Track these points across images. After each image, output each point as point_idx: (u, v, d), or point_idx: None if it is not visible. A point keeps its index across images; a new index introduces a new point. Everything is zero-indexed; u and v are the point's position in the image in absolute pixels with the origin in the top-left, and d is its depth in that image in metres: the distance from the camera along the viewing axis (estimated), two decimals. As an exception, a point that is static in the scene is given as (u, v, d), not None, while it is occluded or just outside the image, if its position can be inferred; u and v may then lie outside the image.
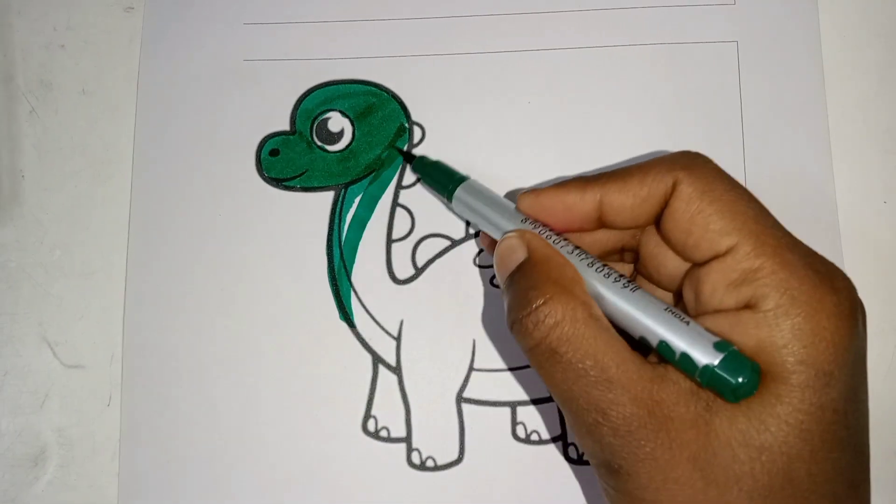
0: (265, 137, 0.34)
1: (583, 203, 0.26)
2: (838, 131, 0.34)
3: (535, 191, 0.27)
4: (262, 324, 0.33)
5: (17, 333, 0.33)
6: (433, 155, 0.34)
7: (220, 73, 0.35)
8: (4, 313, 0.33)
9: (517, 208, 0.28)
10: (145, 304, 0.33)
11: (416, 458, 0.32)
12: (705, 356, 0.22)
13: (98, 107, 0.35)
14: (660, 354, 0.23)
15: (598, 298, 0.24)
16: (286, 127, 0.34)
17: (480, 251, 0.33)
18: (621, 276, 0.24)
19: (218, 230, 0.34)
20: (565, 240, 0.26)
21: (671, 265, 0.26)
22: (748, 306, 0.22)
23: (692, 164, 0.24)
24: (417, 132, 0.34)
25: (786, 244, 0.22)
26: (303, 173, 0.34)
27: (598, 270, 0.25)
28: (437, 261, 0.33)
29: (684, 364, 0.22)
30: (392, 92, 0.35)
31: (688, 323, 0.23)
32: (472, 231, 0.33)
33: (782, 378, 0.21)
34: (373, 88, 0.35)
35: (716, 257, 0.23)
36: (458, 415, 0.32)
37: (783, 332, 0.21)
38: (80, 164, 0.34)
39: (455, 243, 0.33)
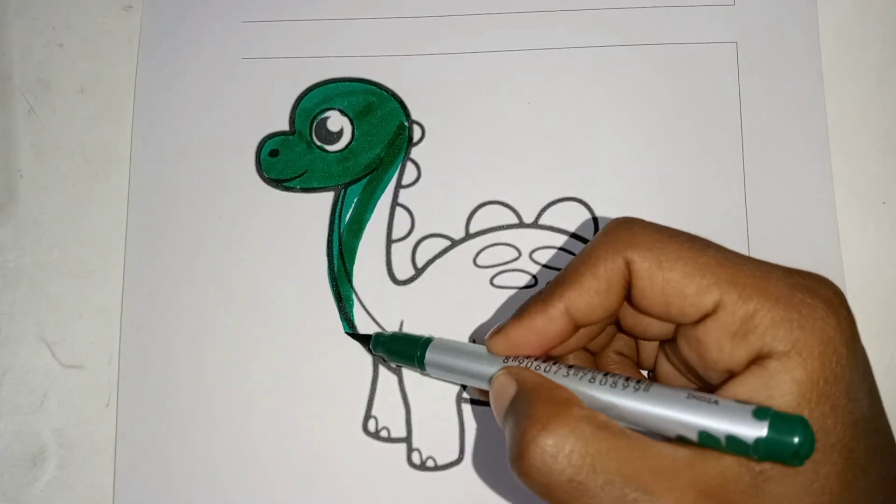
0: (265, 138, 0.34)
1: (551, 324, 0.24)
2: (837, 132, 0.34)
3: (501, 331, 0.25)
4: (262, 324, 0.33)
5: (15, 333, 0.33)
6: (433, 155, 0.34)
7: (219, 72, 0.35)
8: (2, 313, 0.33)
9: (490, 352, 0.26)
10: (143, 304, 0.33)
11: (416, 458, 0.32)
12: (752, 429, 0.20)
13: (96, 106, 0.35)
14: (703, 447, 0.21)
15: (615, 410, 0.22)
16: (285, 125, 0.34)
17: (480, 251, 0.33)
18: (629, 379, 0.23)
19: (217, 231, 0.34)
20: (555, 363, 0.25)
21: (657, 327, 0.25)
22: (761, 356, 0.21)
23: (632, 236, 0.23)
24: (417, 131, 0.34)
25: (763, 275, 0.22)
26: (302, 174, 0.34)
27: (603, 382, 0.23)
28: (437, 261, 0.33)
29: (733, 446, 0.20)
30: (391, 91, 0.35)
31: (717, 402, 0.21)
32: (472, 231, 0.33)
33: None
34: (372, 87, 0.35)
35: (706, 316, 0.22)
36: (458, 415, 0.32)
37: (812, 366, 0.20)
38: (79, 163, 0.34)
39: (455, 243, 0.33)
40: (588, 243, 0.24)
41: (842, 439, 0.20)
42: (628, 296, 0.24)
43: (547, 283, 0.25)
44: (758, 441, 0.20)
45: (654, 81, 0.34)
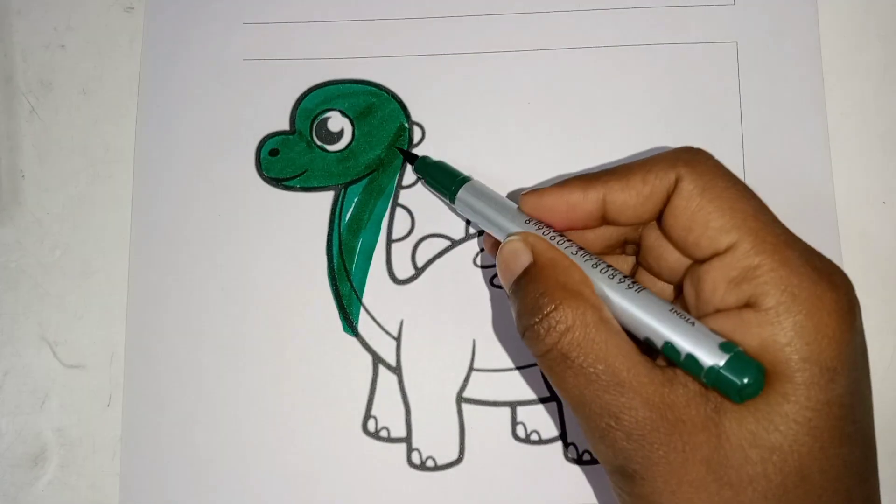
0: (265, 137, 0.34)
1: (586, 202, 0.26)
2: (837, 132, 0.34)
3: (537, 191, 0.27)
4: (262, 324, 0.33)
5: (17, 333, 0.33)
6: (433, 155, 0.34)
7: (220, 73, 0.35)
8: (4, 313, 0.33)
9: (520, 209, 0.28)
10: (146, 303, 0.33)
11: (416, 458, 0.32)
12: (711, 357, 0.22)
13: (98, 107, 0.35)
14: (665, 356, 0.23)
15: (605, 299, 0.24)
16: (286, 126, 0.34)
17: (480, 251, 0.33)
18: (626, 276, 0.25)
19: (218, 230, 0.34)
20: (569, 241, 0.26)
21: (672, 259, 0.26)
22: (749, 305, 0.22)
23: (693, 160, 0.24)
24: (417, 132, 0.34)
25: (785, 241, 0.23)
26: (302, 173, 0.34)
27: (603, 272, 0.25)
28: (437, 261, 0.33)
29: (689, 365, 0.22)
30: (392, 92, 0.35)
31: (693, 324, 0.23)
32: (472, 231, 0.33)
33: (787, 376, 0.21)
34: (373, 88, 0.35)
35: (716, 255, 0.23)
36: (458, 415, 0.32)
37: (786, 329, 0.21)
38: (80, 164, 0.34)
39: (455, 243, 0.33)
40: (652, 154, 0.26)
41: (804, 413, 0.21)
42: (659, 217, 0.25)
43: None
44: (711, 368, 0.22)
45: (655, 81, 0.34)
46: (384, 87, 0.35)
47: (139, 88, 0.35)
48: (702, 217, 0.23)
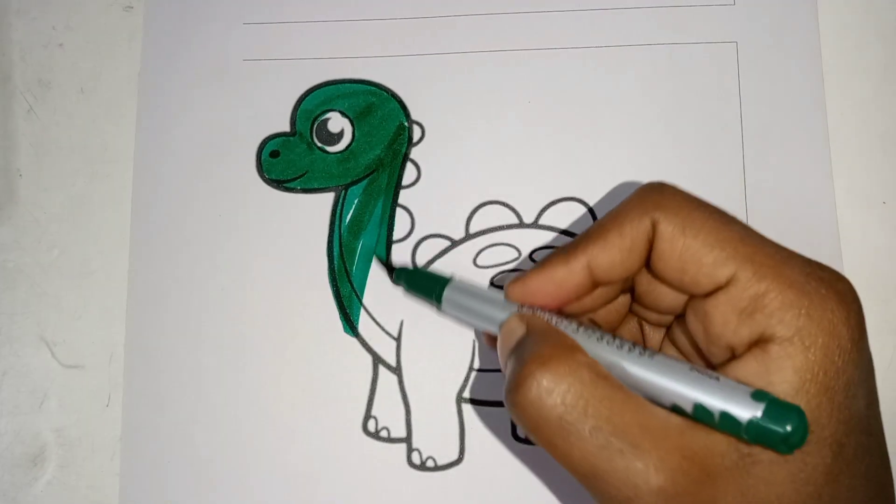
0: (266, 139, 0.34)
1: (572, 276, 0.24)
2: (837, 132, 0.34)
3: (520, 278, 0.25)
4: (263, 325, 0.33)
5: (16, 333, 0.33)
6: (433, 154, 0.34)
7: (220, 73, 0.35)
8: (3, 313, 0.33)
9: (507, 299, 0.26)
10: (146, 303, 0.33)
11: (416, 459, 0.32)
12: (746, 410, 0.20)
13: (97, 106, 0.35)
14: (697, 420, 0.21)
15: (618, 370, 0.23)
16: (286, 127, 0.34)
17: (480, 251, 0.33)
18: (635, 344, 0.23)
19: (218, 231, 0.34)
20: (566, 319, 0.25)
21: (670, 298, 0.25)
22: (765, 338, 0.21)
23: (662, 199, 0.23)
24: (417, 131, 0.34)
25: (782, 259, 0.22)
26: (303, 174, 0.34)
27: (610, 343, 0.23)
28: (437, 261, 0.33)
29: (726, 425, 0.20)
30: (391, 91, 0.35)
31: (718, 379, 0.21)
32: (472, 231, 0.33)
33: None
34: (372, 88, 0.35)
35: (718, 289, 0.22)
36: (458, 415, 0.32)
37: (814, 356, 0.21)
38: (79, 163, 0.34)
39: (455, 243, 0.33)
40: (618, 203, 0.25)
41: (834, 434, 0.20)
42: (648, 260, 0.24)
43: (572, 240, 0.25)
44: (750, 423, 0.20)
45: (655, 81, 0.34)
46: (384, 86, 0.35)
47: (138, 88, 0.35)
48: (691, 256, 0.22)
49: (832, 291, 0.21)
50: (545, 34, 0.35)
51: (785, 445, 0.20)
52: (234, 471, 0.32)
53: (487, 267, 0.33)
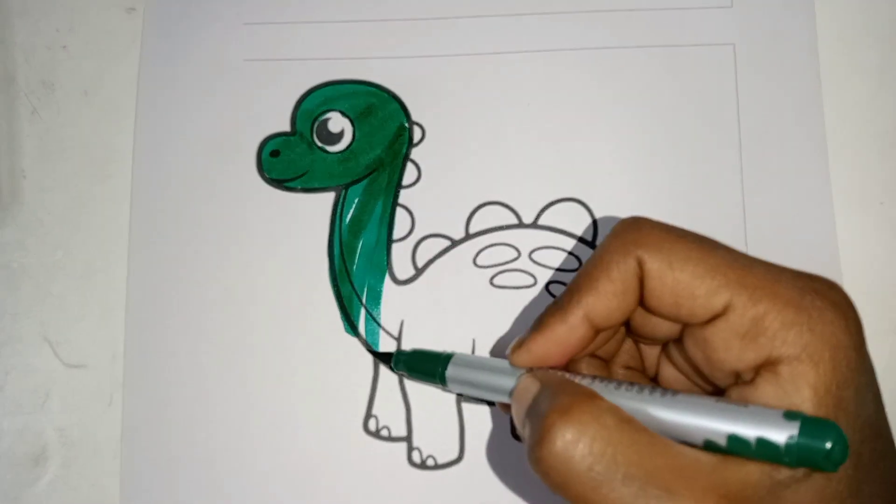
0: (266, 138, 0.34)
1: (572, 332, 0.24)
2: (835, 133, 0.34)
3: (523, 344, 0.25)
4: (264, 324, 0.33)
5: (19, 333, 0.33)
6: (434, 156, 0.34)
7: (221, 74, 0.35)
8: (6, 313, 0.33)
9: (512, 364, 0.26)
10: (147, 304, 0.33)
11: (416, 458, 0.32)
12: (782, 432, 0.20)
13: (100, 108, 0.35)
14: (733, 453, 0.21)
15: (643, 415, 0.22)
16: (286, 127, 0.35)
17: (480, 251, 0.33)
18: (654, 387, 0.23)
19: (219, 231, 0.34)
20: (578, 374, 0.25)
21: (665, 327, 0.25)
22: (771, 361, 0.21)
23: (641, 236, 0.23)
24: (417, 132, 0.34)
25: (773, 278, 0.22)
26: (303, 174, 0.34)
27: (629, 389, 0.23)
28: (437, 261, 0.33)
29: (763, 450, 0.20)
30: (392, 92, 0.35)
31: (746, 406, 0.21)
32: (472, 231, 0.34)
33: None
34: (373, 88, 0.35)
35: (715, 317, 0.22)
36: (459, 414, 0.32)
37: (824, 370, 0.20)
38: (82, 164, 0.35)
39: (455, 243, 0.34)
40: (598, 246, 0.24)
41: (851, 444, 0.20)
42: (641, 296, 0.24)
43: (562, 292, 0.25)
44: (790, 444, 0.19)
45: (652, 83, 0.35)
46: (384, 87, 0.35)
47: (140, 89, 0.35)
48: (684, 289, 0.22)
49: (828, 302, 0.21)
50: (544, 36, 0.35)
51: (829, 462, 0.19)
52: (235, 470, 0.32)
53: (487, 267, 0.33)
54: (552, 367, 0.25)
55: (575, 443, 0.20)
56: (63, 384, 0.33)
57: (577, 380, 0.24)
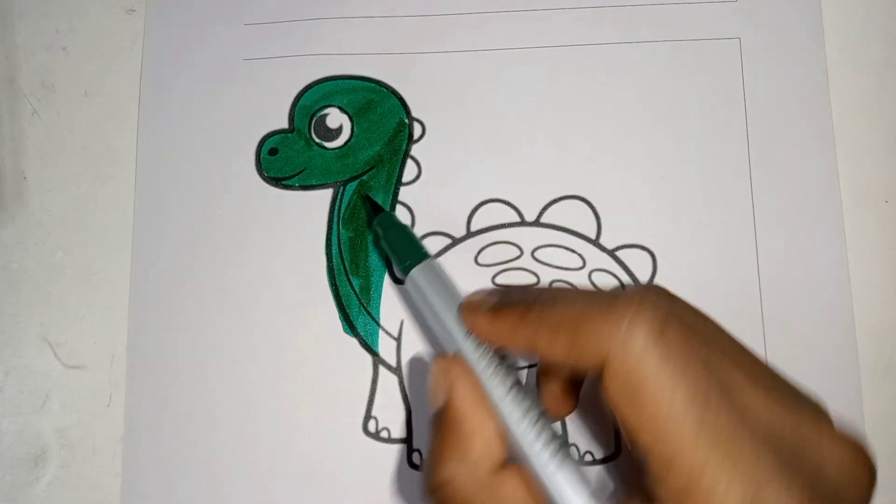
0: (264, 136, 0.34)
1: (514, 338, 0.24)
2: (841, 129, 0.34)
3: (474, 305, 0.26)
4: (263, 324, 0.33)
5: (18, 334, 0.33)
6: (434, 153, 0.33)
7: (222, 74, 0.35)
8: (6, 314, 0.33)
9: (461, 317, 0.26)
10: (148, 304, 0.33)
11: (416, 459, 0.32)
12: None
13: (100, 108, 0.35)
14: None
15: (520, 450, 0.23)
16: (285, 123, 0.34)
17: (482, 249, 0.33)
18: (554, 436, 0.23)
19: (219, 231, 0.34)
20: (506, 371, 0.25)
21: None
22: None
23: (615, 348, 0.21)
24: (417, 128, 0.34)
25: (735, 424, 0.20)
26: (301, 171, 0.34)
27: (529, 428, 0.23)
28: (438, 259, 0.33)
29: None
30: (392, 88, 0.34)
31: None
32: (473, 229, 0.33)
33: None
34: (372, 84, 0.34)
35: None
36: (459, 415, 0.32)
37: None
38: (82, 165, 0.35)
39: (456, 241, 0.33)
40: (576, 304, 0.23)
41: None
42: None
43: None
44: None
45: (657, 78, 0.34)
46: (384, 82, 0.35)
47: (140, 90, 0.35)
48: (643, 423, 0.21)
49: (782, 464, 0.20)
50: (547, 32, 0.35)
51: None
52: (235, 471, 0.32)
53: (489, 265, 0.33)
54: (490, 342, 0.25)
55: (450, 496, 0.23)
56: (63, 385, 0.33)
57: (496, 384, 0.24)
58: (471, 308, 0.26)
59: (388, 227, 0.30)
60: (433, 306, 0.27)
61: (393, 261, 0.30)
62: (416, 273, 0.28)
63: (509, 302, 0.25)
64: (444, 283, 0.28)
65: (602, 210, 0.33)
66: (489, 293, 0.26)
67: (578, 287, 0.24)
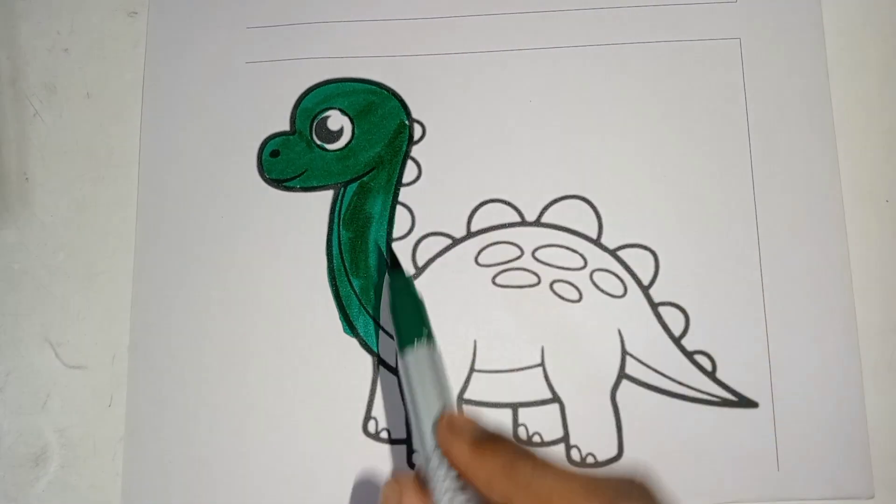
0: (266, 138, 0.34)
1: (490, 485, 0.23)
2: (842, 130, 0.34)
3: (455, 428, 0.24)
4: (264, 325, 0.33)
5: (20, 334, 0.33)
6: (435, 154, 0.34)
7: (224, 76, 0.35)
8: (8, 314, 0.33)
9: (434, 434, 0.25)
10: (150, 305, 0.33)
11: (416, 460, 0.31)
12: None
13: (102, 110, 0.35)
14: None
15: None
16: (286, 126, 0.34)
17: (482, 250, 0.33)
18: None
19: (221, 232, 0.34)
20: (465, 498, 0.24)
21: None
22: None
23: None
24: (418, 130, 0.34)
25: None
26: (302, 173, 0.34)
27: None
28: (438, 260, 0.33)
29: None
30: (392, 90, 0.35)
31: None
32: (473, 229, 0.33)
33: None
34: (373, 86, 0.35)
35: None
36: (460, 415, 0.32)
37: None
38: (84, 166, 0.35)
39: (456, 242, 0.33)
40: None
41: None
42: None
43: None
44: None
45: (658, 79, 0.34)
46: (384, 84, 0.35)
47: (143, 92, 0.35)
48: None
49: None
50: (547, 33, 0.35)
51: None
52: (235, 471, 0.32)
53: (489, 266, 0.33)
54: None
55: None
56: (64, 385, 0.33)
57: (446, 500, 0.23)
58: (451, 429, 0.25)
59: (398, 292, 0.29)
60: (416, 403, 0.26)
61: (394, 330, 0.28)
62: (411, 356, 0.27)
63: (493, 445, 0.24)
64: (435, 378, 0.26)
65: (603, 209, 0.33)
66: (470, 417, 0.25)
67: (560, 467, 0.23)
